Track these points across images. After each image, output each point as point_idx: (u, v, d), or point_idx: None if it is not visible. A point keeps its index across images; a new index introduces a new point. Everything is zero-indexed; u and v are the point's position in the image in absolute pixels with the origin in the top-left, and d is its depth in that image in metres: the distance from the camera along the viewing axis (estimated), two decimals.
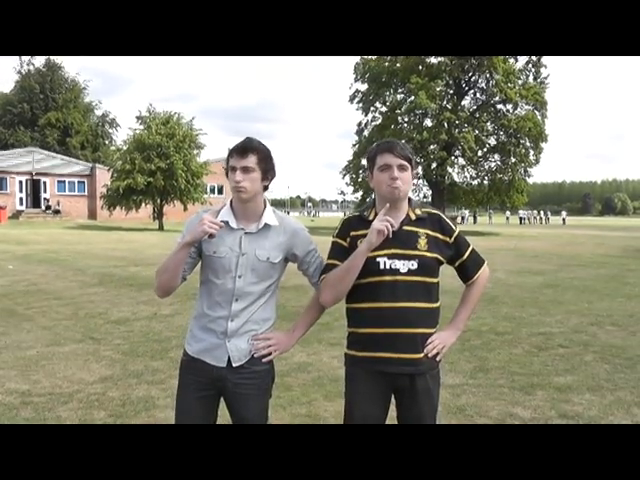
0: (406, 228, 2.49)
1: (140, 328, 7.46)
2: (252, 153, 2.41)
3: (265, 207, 2.53)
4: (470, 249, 2.62)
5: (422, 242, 2.48)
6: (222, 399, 2.58)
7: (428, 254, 2.47)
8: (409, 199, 2.56)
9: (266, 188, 2.52)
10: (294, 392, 5.08)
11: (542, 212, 70.72)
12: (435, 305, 2.53)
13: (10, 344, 6.70)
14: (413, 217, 2.52)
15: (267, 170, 2.47)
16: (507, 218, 66.46)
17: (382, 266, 2.45)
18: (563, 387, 5.26)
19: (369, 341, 2.48)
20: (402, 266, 2.44)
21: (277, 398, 4.89)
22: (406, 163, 2.46)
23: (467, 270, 2.62)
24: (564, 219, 64.31)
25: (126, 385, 5.23)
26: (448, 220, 2.59)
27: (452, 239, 2.55)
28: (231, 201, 2.55)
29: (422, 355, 2.48)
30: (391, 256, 2.45)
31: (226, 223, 2.47)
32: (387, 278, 2.43)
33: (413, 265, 2.44)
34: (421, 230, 2.50)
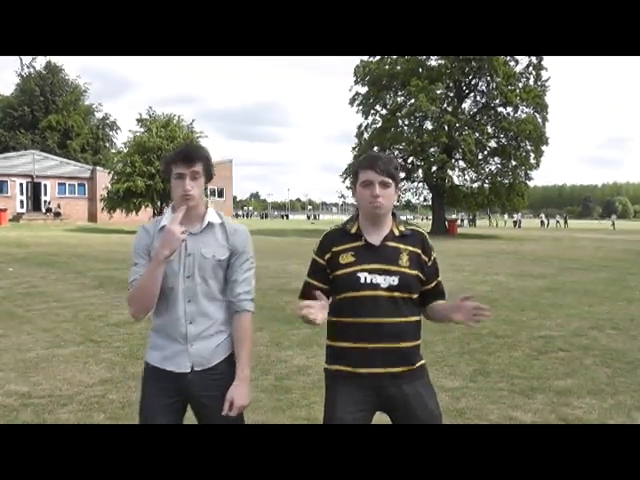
0: (389, 244, 2.47)
1: (140, 330, 7.44)
2: (198, 160, 2.45)
3: (207, 208, 2.56)
4: (438, 280, 2.59)
5: (404, 258, 2.46)
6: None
7: (409, 271, 2.45)
8: (393, 214, 2.54)
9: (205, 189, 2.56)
10: (293, 395, 5.07)
11: (544, 215, 70.80)
12: (417, 318, 2.52)
13: (10, 346, 6.70)
14: (397, 233, 2.50)
15: (209, 173, 2.52)
16: (505, 222, 66.42)
17: (362, 280, 2.42)
18: (563, 391, 5.25)
19: (350, 356, 2.45)
20: (383, 281, 2.41)
21: (277, 401, 4.90)
22: (388, 180, 2.42)
23: (426, 299, 2.57)
24: (614, 223, 57.75)
25: (126, 387, 5.22)
26: (429, 241, 2.57)
27: (429, 262, 2.53)
28: (172, 205, 2.57)
29: (406, 368, 2.46)
30: (372, 271, 2.42)
31: None
32: (368, 293, 2.40)
33: (394, 281, 2.42)
34: (403, 246, 2.48)
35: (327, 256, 2.50)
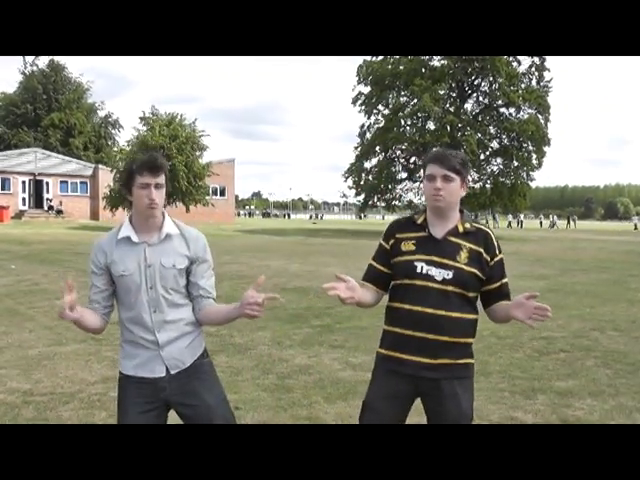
0: (450, 239, 2.50)
1: None
2: (162, 171, 2.48)
3: (164, 218, 2.57)
4: (502, 282, 2.59)
5: (463, 255, 2.48)
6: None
7: (466, 268, 2.47)
8: (461, 211, 2.57)
9: None
10: (295, 394, 5.07)
11: (552, 216, 70.71)
12: (469, 316, 2.51)
13: (12, 343, 6.72)
14: (460, 229, 2.52)
15: (167, 185, 2.56)
16: (509, 223, 66.03)
17: (419, 270, 2.47)
18: (564, 392, 5.25)
19: (395, 341, 2.52)
20: (437, 274, 2.45)
21: (278, 400, 4.90)
22: (452, 174, 2.46)
23: (489, 299, 2.59)
24: (636, 225, 54.75)
25: None
26: (496, 241, 2.57)
27: (492, 262, 2.53)
28: (130, 217, 2.59)
29: (446, 361, 2.47)
30: (429, 262, 2.46)
31: (128, 239, 2.53)
32: (420, 282, 2.46)
33: (448, 275, 2.45)
34: (465, 243, 2.50)
35: (391, 242, 2.58)
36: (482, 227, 2.58)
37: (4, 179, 41.08)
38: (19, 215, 39.17)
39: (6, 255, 16.32)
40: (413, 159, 39.71)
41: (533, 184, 42.41)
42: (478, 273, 2.49)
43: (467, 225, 2.53)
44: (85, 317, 2.49)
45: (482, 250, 2.51)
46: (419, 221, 2.56)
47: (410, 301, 2.47)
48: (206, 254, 2.61)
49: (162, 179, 2.47)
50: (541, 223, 68.95)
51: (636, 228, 52.73)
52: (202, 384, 2.56)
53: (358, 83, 41.51)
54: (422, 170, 2.59)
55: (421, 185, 41.39)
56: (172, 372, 2.53)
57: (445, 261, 2.46)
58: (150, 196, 2.44)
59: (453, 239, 2.50)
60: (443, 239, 2.50)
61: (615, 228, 61.37)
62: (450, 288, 2.45)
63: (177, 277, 2.54)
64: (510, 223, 63.43)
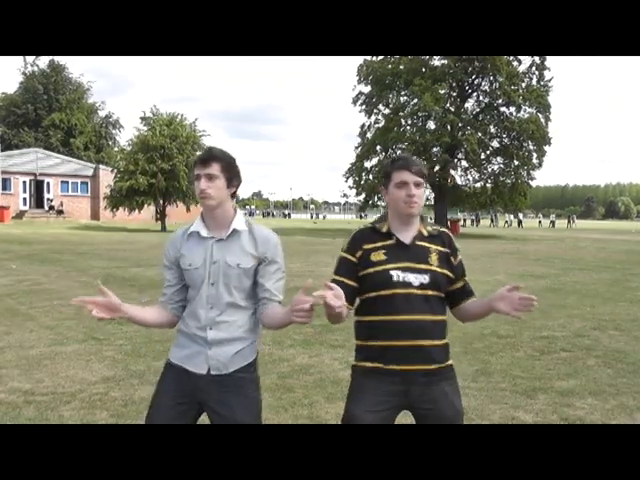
0: (418, 243, 2.51)
1: (142, 329, 7.46)
2: (215, 161, 2.47)
3: (235, 213, 2.56)
4: (465, 279, 2.63)
5: (433, 257, 2.50)
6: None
7: (439, 270, 2.49)
8: (421, 216, 2.58)
9: (234, 195, 2.56)
10: (296, 394, 5.07)
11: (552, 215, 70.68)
12: (445, 317, 2.55)
13: (13, 343, 6.72)
14: (425, 233, 2.54)
15: (231, 177, 2.51)
16: (510, 222, 65.84)
17: (395, 278, 2.45)
18: (565, 391, 5.25)
19: (383, 354, 2.46)
20: (414, 279, 2.45)
21: (279, 400, 4.90)
22: (421, 180, 2.49)
23: (455, 299, 2.62)
24: None
25: (128, 385, 5.24)
26: (455, 241, 2.61)
27: (455, 261, 2.58)
28: (202, 212, 2.59)
29: (437, 366, 2.48)
30: (404, 269, 2.46)
31: (197, 233, 2.54)
32: (400, 291, 2.44)
33: (425, 279, 2.46)
34: (432, 246, 2.53)
35: (358, 254, 2.53)
36: (442, 229, 2.63)
37: (5, 179, 41.13)
38: (20, 215, 39.23)
39: (7, 255, 16.34)
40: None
41: (534, 183, 42.42)
42: (449, 274, 2.53)
43: (429, 228, 2.57)
44: (137, 314, 2.55)
45: (449, 251, 2.55)
46: (384, 229, 2.54)
47: (394, 311, 2.43)
48: (276, 255, 2.55)
49: (214, 170, 2.45)
50: (540, 222, 69.09)
51: None
52: (239, 399, 2.49)
53: (358, 83, 41.50)
54: (384, 178, 2.56)
55: None
56: (212, 372, 2.49)
57: (419, 266, 2.47)
58: (200, 186, 2.46)
59: (421, 243, 2.52)
60: (412, 244, 2.50)
61: (622, 226, 60.56)
62: (429, 292, 2.46)
63: (241, 276, 2.50)
64: (507, 222, 63.09)
